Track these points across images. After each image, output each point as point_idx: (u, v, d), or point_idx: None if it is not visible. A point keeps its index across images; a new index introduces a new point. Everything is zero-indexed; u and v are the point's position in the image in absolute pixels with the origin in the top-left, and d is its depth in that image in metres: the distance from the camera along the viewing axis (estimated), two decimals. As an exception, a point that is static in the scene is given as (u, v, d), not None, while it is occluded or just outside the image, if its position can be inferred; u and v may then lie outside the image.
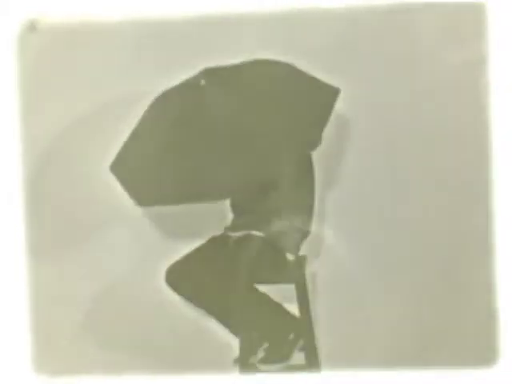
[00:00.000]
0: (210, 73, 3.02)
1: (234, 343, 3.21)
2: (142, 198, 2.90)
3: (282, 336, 3.15)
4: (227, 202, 3.26)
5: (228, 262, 3.10)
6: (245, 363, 3.14)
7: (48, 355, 3.25)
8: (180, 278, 3.12)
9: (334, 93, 2.97)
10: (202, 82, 3.01)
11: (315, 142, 2.88)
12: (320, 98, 2.98)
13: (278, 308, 3.21)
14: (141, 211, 3.72)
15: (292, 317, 3.20)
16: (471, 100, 3.54)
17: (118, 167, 3.05)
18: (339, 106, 3.04)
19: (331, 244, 3.74)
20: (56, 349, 3.52)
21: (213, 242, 3.24)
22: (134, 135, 3.11)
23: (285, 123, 2.88)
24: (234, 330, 3.18)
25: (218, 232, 3.27)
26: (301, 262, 3.23)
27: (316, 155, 3.19)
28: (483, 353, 3.01)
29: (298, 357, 3.16)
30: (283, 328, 3.16)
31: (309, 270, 3.33)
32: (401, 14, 3.57)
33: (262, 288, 3.18)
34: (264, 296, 3.19)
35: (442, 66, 3.64)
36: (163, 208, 2.97)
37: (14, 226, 3.17)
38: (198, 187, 2.79)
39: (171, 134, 2.96)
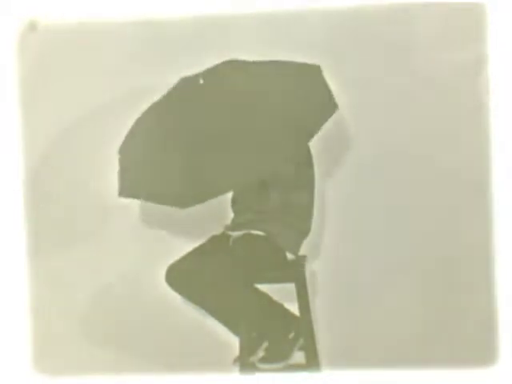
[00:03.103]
0: (209, 72, 3.02)
1: (234, 343, 3.21)
2: (128, 189, 2.89)
3: (282, 335, 3.15)
4: (228, 202, 3.27)
5: (228, 262, 3.10)
6: (245, 363, 3.14)
7: (48, 355, 3.25)
8: (180, 277, 3.12)
9: (317, 70, 2.97)
10: (201, 80, 3.01)
11: (312, 131, 2.85)
12: (307, 80, 2.97)
13: (278, 307, 3.20)
14: (141, 211, 3.73)
15: (292, 316, 3.20)
16: (471, 100, 3.54)
17: (128, 188, 3.00)
18: (339, 105, 3.04)
19: (331, 244, 3.74)
20: (56, 348, 3.52)
21: (213, 241, 3.24)
22: (133, 136, 3.11)
23: (282, 116, 2.87)
24: (234, 330, 3.18)
25: (217, 231, 3.27)
26: (301, 261, 3.23)
27: (316, 154, 3.19)
28: (483, 353, 3.01)
29: (298, 356, 3.16)
30: (283, 327, 3.16)
31: (309, 269, 3.33)
32: (401, 13, 3.57)
33: (262, 288, 3.18)
34: (264, 296, 3.19)
35: (441, 66, 3.65)
36: (163, 208, 2.97)
37: (13, 225, 3.17)
38: (199, 187, 2.79)
39: (170, 134, 2.96)
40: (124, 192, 2.95)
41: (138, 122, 3.15)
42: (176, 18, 3.55)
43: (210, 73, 3.02)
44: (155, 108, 3.16)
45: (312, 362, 3.16)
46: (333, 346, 3.42)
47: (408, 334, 3.58)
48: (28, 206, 3.24)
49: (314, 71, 3.01)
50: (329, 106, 2.91)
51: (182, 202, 2.78)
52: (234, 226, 3.20)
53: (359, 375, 3.02)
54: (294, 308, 3.19)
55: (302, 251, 3.20)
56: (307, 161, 3.16)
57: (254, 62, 3.07)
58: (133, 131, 3.13)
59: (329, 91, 2.96)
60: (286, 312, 3.20)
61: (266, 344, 3.14)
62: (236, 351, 3.19)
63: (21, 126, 3.22)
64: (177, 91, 3.10)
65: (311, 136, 2.85)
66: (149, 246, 3.77)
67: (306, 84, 2.99)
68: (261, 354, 3.13)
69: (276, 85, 2.98)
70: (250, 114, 2.88)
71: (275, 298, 3.21)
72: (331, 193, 3.70)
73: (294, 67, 3.03)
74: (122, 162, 3.04)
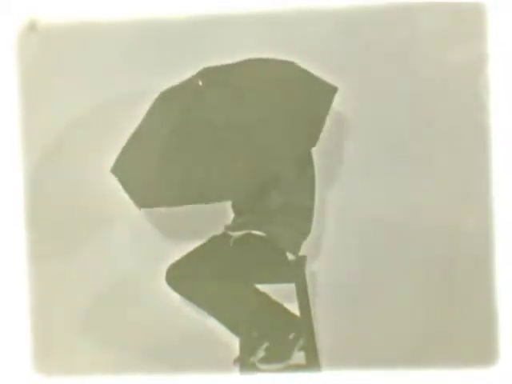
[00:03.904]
0: (207, 73, 3.02)
1: (234, 343, 3.21)
2: (142, 199, 2.89)
3: (282, 336, 3.15)
4: (228, 202, 3.27)
5: (228, 262, 3.10)
6: (245, 363, 3.14)
7: (48, 355, 3.25)
8: (180, 277, 3.12)
9: (331, 91, 2.97)
10: (200, 82, 3.01)
11: (315, 138, 2.87)
12: (318, 95, 2.98)
13: (279, 308, 3.21)
14: (141, 211, 3.73)
15: (292, 316, 3.20)
16: (471, 100, 3.54)
17: (119, 169, 3.05)
18: (339, 105, 3.04)
19: (331, 244, 3.74)
20: (56, 349, 3.52)
21: (213, 241, 3.24)
22: (135, 137, 3.11)
23: (284, 121, 2.88)
24: (234, 330, 3.18)
25: (218, 232, 3.27)
26: (301, 261, 3.23)
27: (316, 155, 3.19)
28: (483, 353, 3.01)
29: (298, 357, 3.16)
30: (283, 328, 3.16)
31: (309, 269, 3.33)
32: (401, 13, 3.57)
33: (262, 288, 3.18)
34: (264, 296, 3.19)
35: (441, 66, 3.65)
36: (164, 208, 2.97)
37: (14, 226, 3.17)
38: (199, 188, 2.79)
39: (171, 136, 2.96)
40: (115, 170, 2.99)
41: (148, 112, 3.14)
42: (176, 18, 3.55)
43: (210, 74, 3.02)
44: (157, 107, 3.16)
45: (312, 362, 3.16)
46: (333, 346, 3.42)
47: (408, 334, 3.58)
48: (28, 207, 3.24)
49: (295, 66, 3.02)
50: (312, 139, 2.90)
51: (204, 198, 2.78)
52: (235, 226, 3.20)
53: (359, 375, 3.02)
54: (294, 308, 3.19)
55: (302, 251, 3.20)
56: (308, 161, 3.16)
57: (239, 63, 3.07)
58: (130, 141, 3.12)
59: (317, 78, 2.95)
60: (286, 312, 3.21)
61: (266, 344, 3.14)
62: (236, 351, 3.19)
63: (21, 126, 3.22)
64: (178, 92, 3.10)
65: (315, 140, 2.86)
66: (149, 246, 3.77)
67: (310, 97, 2.98)
68: (261, 354, 3.13)
69: (277, 86, 2.98)
70: (250, 115, 2.88)
71: (275, 298, 3.21)
72: (331, 193, 3.69)
73: (309, 79, 3.02)
74: (121, 177, 3.04)
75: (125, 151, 3.08)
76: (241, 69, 3.07)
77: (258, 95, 2.95)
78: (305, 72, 3.04)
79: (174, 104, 3.05)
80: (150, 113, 3.14)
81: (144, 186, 2.91)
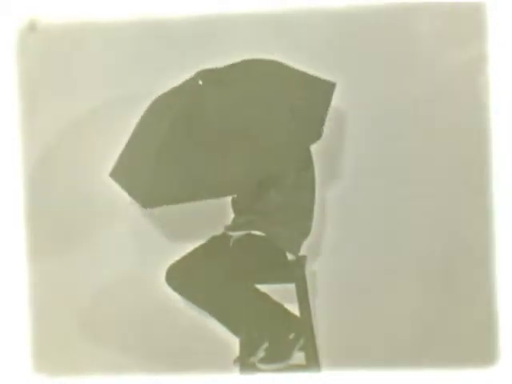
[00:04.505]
0: (207, 73, 3.02)
1: (234, 343, 3.21)
2: (145, 200, 2.89)
3: (283, 336, 3.15)
4: (228, 202, 3.27)
5: (228, 262, 3.10)
6: (245, 363, 3.14)
7: (48, 355, 3.25)
8: (180, 277, 3.12)
9: (330, 86, 2.97)
10: (200, 82, 3.01)
11: (315, 135, 2.86)
12: (317, 93, 2.98)
13: (279, 308, 3.20)
14: (141, 211, 3.73)
15: (292, 317, 3.20)
16: (471, 100, 3.54)
17: (118, 173, 3.05)
18: (340, 105, 3.04)
19: (331, 244, 3.74)
20: (56, 348, 3.52)
21: (213, 241, 3.24)
22: (131, 142, 3.11)
23: (284, 120, 2.88)
24: (234, 330, 3.18)
25: (218, 232, 3.27)
26: (301, 261, 3.23)
27: (316, 154, 3.19)
28: (483, 353, 3.01)
29: (298, 357, 3.16)
30: (283, 328, 3.16)
31: (309, 269, 3.34)
32: (401, 13, 3.57)
33: (262, 288, 3.18)
34: (264, 296, 3.19)
35: (441, 66, 3.65)
36: (164, 208, 2.97)
37: (14, 226, 3.17)
38: (200, 185, 2.79)
39: (171, 135, 2.96)
40: (114, 175, 2.99)
41: (144, 115, 3.14)
42: (176, 18, 3.55)
43: (214, 73, 3.03)
44: (156, 108, 3.16)
45: (312, 363, 3.16)
46: (333, 346, 3.43)
47: (408, 334, 3.58)
48: (28, 206, 3.24)
49: (326, 86, 2.99)
50: (316, 132, 2.89)
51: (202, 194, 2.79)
52: (235, 226, 3.20)
53: (359, 375, 3.02)
54: (294, 308, 3.19)
55: (302, 251, 3.20)
56: (308, 161, 3.17)
57: (239, 63, 3.07)
58: (139, 123, 3.12)
59: (324, 116, 2.93)
60: (287, 312, 3.20)
61: (266, 344, 3.14)
62: (236, 351, 3.19)
63: (21, 126, 3.22)
64: (177, 93, 3.10)
65: (316, 138, 2.87)
66: (149, 246, 3.77)
67: (310, 95, 2.98)
68: (261, 354, 3.13)
69: (278, 87, 2.98)
70: (250, 115, 2.88)
71: (275, 298, 3.21)
72: (331, 193, 3.70)
73: (307, 78, 3.02)
74: (125, 147, 3.04)
75: (122, 156, 3.08)
76: (240, 69, 3.07)
77: (258, 95, 2.95)
78: (303, 73, 3.04)
79: (174, 104, 3.06)
80: (146, 116, 3.14)
81: (146, 186, 2.91)
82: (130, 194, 2.93)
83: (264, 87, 2.99)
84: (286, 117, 2.88)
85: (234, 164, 2.78)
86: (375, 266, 3.70)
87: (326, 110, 2.91)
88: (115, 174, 3.04)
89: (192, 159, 2.84)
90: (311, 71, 3.03)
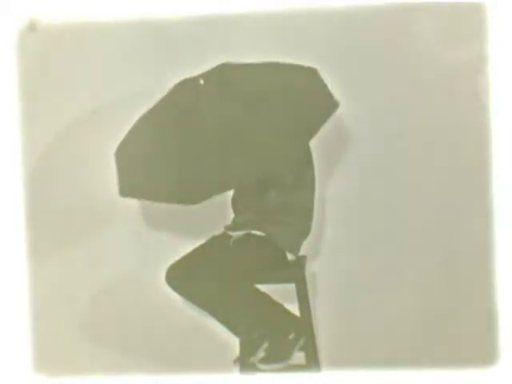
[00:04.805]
0: (213, 71, 3.03)
1: (234, 343, 3.21)
2: (123, 188, 2.91)
3: (283, 336, 3.15)
4: (228, 202, 3.27)
5: (228, 262, 3.10)
6: (245, 363, 3.14)
7: (48, 355, 3.25)
8: (180, 277, 3.11)
9: (314, 72, 2.99)
10: (201, 81, 3.02)
11: (314, 127, 2.87)
12: (316, 89, 2.99)
13: (279, 308, 3.20)
14: (141, 211, 3.73)
15: (292, 317, 3.20)
16: (471, 100, 3.54)
17: (129, 188, 3.03)
18: (339, 105, 3.04)
19: (331, 244, 3.74)
20: (56, 348, 3.52)
21: (213, 241, 3.24)
22: (137, 128, 3.12)
23: (283, 120, 2.88)
24: (234, 330, 3.18)
25: (218, 232, 3.27)
26: (301, 261, 3.23)
27: (316, 155, 3.19)
28: (483, 353, 3.01)
29: (298, 357, 3.16)
30: (283, 328, 3.16)
31: (309, 270, 3.34)
32: (401, 13, 3.57)
33: (262, 288, 3.18)
34: (264, 296, 3.19)
35: (441, 66, 3.65)
36: (164, 208, 2.97)
37: (14, 225, 3.17)
38: (199, 184, 2.79)
39: (171, 133, 2.97)
40: (124, 192, 2.97)
41: (139, 121, 3.15)
42: (176, 18, 3.55)
43: (211, 73, 3.03)
44: (156, 108, 3.17)
45: (312, 363, 3.16)
46: (333, 346, 3.43)
47: (408, 334, 3.58)
48: (28, 206, 3.24)
49: (311, 73, 3.03)
50: (329, 104, 2.93)
51: (182, 199, 2.79)
52: (235, 226, 3.20)
53: (359, 375, 3.02)
54: (294, 308, 3.19)
55: (302, 251, 3.20)
56: (308, 161, 3.17)
57: (252, 64, 3.08)
58: (132, 131, 3.14)
59: (327, 90, 2.97)
60: (286, 312, 3.20)
61: (266, 344, 3.14)
62: (236, 351, 3.19)
63: (21, 126, 3.22)
64: (177, 91, 3.11)
65: (311, 136, 2.87)
66: (149, 246, 3.77)
67: (304, 84, 3.00)
68: (261, 354, 3.13)
69: (275, 85, 2.99)
70: (250, 114, 2.88)
71: (275, 298, 3.21)
72: (331, 193, 3.69)
73: (291, 69, 3.04)
74: (119, 163, 3.05)
75: (129, 135, 3.09)
76: (239, 69, 3.08)
77: (259, 96, 2.96)
78: (312, 76, 3.05)
79: (175, 102, 3.07)
80: (165, 99, 3.14)
81: (136, 177, 2.92)
82: (119, 178, 2.94)
83: (263, 87, 2.99)
84: (285, 115, 2.88)
85: (233, 162, 2.79)
86: (375, 265, 3.70)
87: (324, 90, 2.92)
88: (126, 191, 3.01)
89: (191, 158, 2.84)
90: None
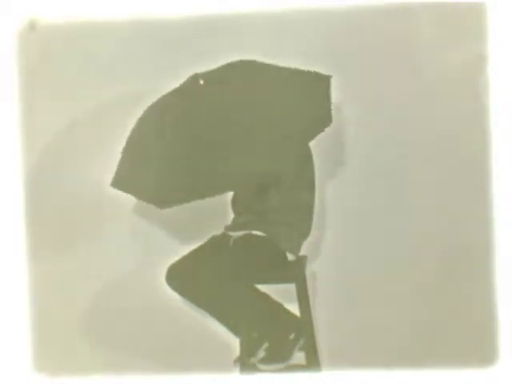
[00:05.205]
0: (207, 73, 3.03)
1: (234, 343, 3.21)
2: (159, 201, 2.87)
3: (283, 336, 3.15)
4: (228, 202, 3.27)
5: (228, 262, 3.10)
6: (245, 363, 3.14)
7: (48, 354, 3.25)
8: (180, 277, 3.12)
9: (326, 79, 2.98)
10: (201, 81, 3.02)
11: (312, 132, 2.87)
12: (315, 88, 2.98)
13: (279, 308, 3.21)
14: (141, 211, 3.73)
15: (292, 317, 3.20)
16: (471, 100, 3.54)
17: (121, 181, 3.03)
18: (339, 105, 3.04)
19: (331, 244, 3.74)
20: (56, 348, 3.52)
21: (213, 241, 3.24)
22: (131, 143, 3.11)
23: (283, 119, 2.88)
24: (235, 330, 3.18)
25: (218, 232, 3.27)
26: (301, 261, 3.23)
27: (316, 155, 3.19)
28: (483, 353, 3.01)
29: (298, 357, 3.16)
30: (283, 328, 3.16)
31: (309, 269, 3.34)
32: (401, 13, 3.57)
33: (262, 288, 3.18)
34: (264, 296, 3.19)
35: (442, 66, 3.65)
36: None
37: (14, 225, 3.17)
38: (202, 183, 2.79)
39: (171, 135, 2.97)
40: (117, 184, 2.97)
41: (140, 121, 3.15)
42: (176, 18, 3.55)
43: (211, 74, 3.03)
44: (156, 107, 3.16)
45: (312, 363, 3.17)
46: (333, 346, 3.42)
47: (408, 334, 3.58)
48: (28, 206, 3.24)
49: (322, 80, 3.00)
50: (325, 118, 2.91)
51: (180, 199, 2.79)
52: (235, 226, 3.20)
53: (359, 375, 3.02)
54: (294, 308, 3.19)
55: (303, 251, 3.20)
56: (308, 161, 3.17)
57: (269, 65, 3.08)
58: (136, 129, 3.13)
59: (329, 103, 2.95)
60: (287, 312, 3.21)
61: (266, 344, 3.14)
62: (236, 352, 3.19)
63: (21, 126, 3.22)
64: (178, 91, 3.11)
65: (311, 137, 2.87)
66: (149, 246, 3.77)
67: (308, 90, 2.99)
68: (261, 354, 3.13)
69: (277, 86, 2.99)
70: (250, 115, 2.88)
71: (275, 298, 3.21)
72: (331, 193, 3.69)
73: (302, 74, 3.03)
74: (123, 157, 3.05)
75: (122, 163, 3.07)
76: (238, 69, 3.08)
77: (256, 94, 2.96)
78: (297, 70, 3.04)
79: (174, 103, 3.07)
80: (145, 119, 3.13)
81: (155, 188, 2.90)
82: (141, 197, 2.92)
83: (262, 86, 2.99)
84: (284, 114, 2.88)
85: (234, 162, 2.79)
86: (375, 266, 3.70)
87: (327, 100, 2.92)
88: (118, 183, 3.02)
89: (192, 158, 2.84)
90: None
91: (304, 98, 2.96)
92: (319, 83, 2.99)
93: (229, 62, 3.08)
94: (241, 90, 3.00)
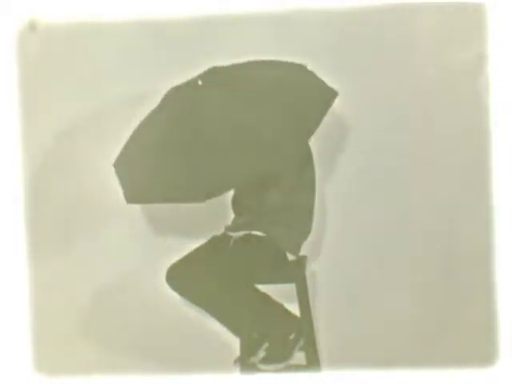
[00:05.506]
0: (209, 72, 3.03)
1: (234, 343, 3.21)
2: (130, 195, 2.91)
3: (283, 336, 3.15)
4: (228, 202, 3.27)
5: (228, 262, 3.10)
6: (245, 363, 3.14)
7: (48, 354, 3.24)
8: (180, 277, 3.12)
9: (331, 94, 2.98)
10: (200, 81, 3.02)
11: (313, 124, 2.87)
12: (317, 96, 2.99)
13: (279, 308, 3.20)
14: (141, 211, 3.73)
15: (292, 317, 3.20)
16: (471, 100, 3.54)
17: (119, 164, 3.06)
18: (339, 105, 3.04)
19: (331, 244, 3.74)
20: (56, 348, 3.51)
21: (213, 241, 3.24)
22: (136, 135, 3.12)
23: (283, 120, 2.88)
24: (235, 330, 3.18)
25: (218, 232, 3.27)
26: (301, 262, 3.23)
27: (316, 155, 3.19)
28: (483, 353, 3.01)
29: (299, 357, 3.16)
30: (284, 328, 3.16)
31: (309, 270, 3.34)
32: (401, 14, 3.57)
33: (263, 288, 3.18)
34: (264, 296, 3.19)
35: (442, 66, 3.65)
36: (164, 208, 2.97)
37: (14, 225, 3.17)
38: (199, 184, 2.79)
39: (171, 134, 2.97)
40: (131, 199, 2.96)
41: (136, 129, 3.15)
42: (176, 18, 3.55)
43: (209, 74, 3.03)
44: (153, 112, 3.16)
45: (312, 363, 3.17)
46: (333, 346, 3.42)
47: (408, 334, 3.58)
48: (28, 206, 3.24)
49: (301, 69, 3.04)
50: (326, 94, 2.93)
51: (186, 199, 2.79)
52: (235, 226, 3.20)
53: (359, 375, 3.02)
54: (294, 308, 3.19)
55: (303, 251, 3.20)
56: (308, 161, 3.17)
57: (241, 64, 3.08)
58: (131, 140, 3.13)
59: (321, 82, 2.98)
60: (287, 312, 3.20)
61: (266, 344, 3.14)
62: (237, 352, 3.19)
63: (21, 126, 3.22)
64: (172, 95, 3.11)
65: (311, 132, 2.86)
66: (149, 246, 3.77)
67: (298, 81, 3.00)
68: (261, 354, 3.13)
69: (272, 84, 2.99)
70: (249, 114, 2.88)
71: (275, 298, 3.21)
72: (331, 193, 3.69)
73: (282, 66, 3.05)
74: (120, 172, 3.05)
75: (127, 146, 3.10)
76: (239, 69, 3.08)
77: (257, 95, 2.96)
78: (307, 73, 3.05)
79: (175, 103, 3.07)
80: (159, 108, 3.14)
81: (138, 183, 2.92)
82: (122, 186, 2.95)
83: (262, 86, 2.99)
84: (284, 114, 2.88)
85: (233, 162, 2.79)
86: (375, 265, 3.70)
87: (323, 113, 2.92)
88: (134, 198, 3.01)
89: (192, 158, 2.84)
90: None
91: (298, 88, 2.96)
92: (302, 70, 3.01)
93: (220, 61, 3.08)
94: (241, 90, 3.00)
